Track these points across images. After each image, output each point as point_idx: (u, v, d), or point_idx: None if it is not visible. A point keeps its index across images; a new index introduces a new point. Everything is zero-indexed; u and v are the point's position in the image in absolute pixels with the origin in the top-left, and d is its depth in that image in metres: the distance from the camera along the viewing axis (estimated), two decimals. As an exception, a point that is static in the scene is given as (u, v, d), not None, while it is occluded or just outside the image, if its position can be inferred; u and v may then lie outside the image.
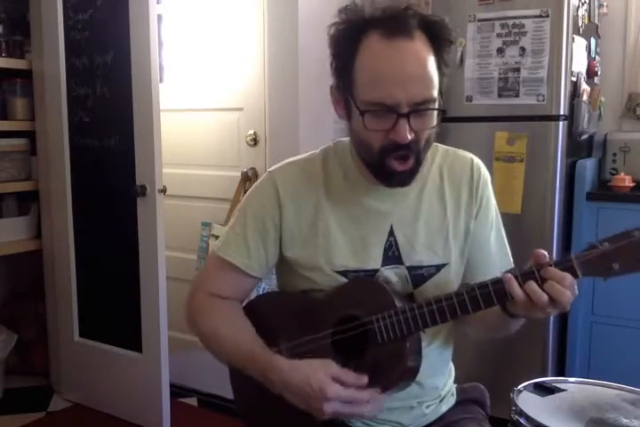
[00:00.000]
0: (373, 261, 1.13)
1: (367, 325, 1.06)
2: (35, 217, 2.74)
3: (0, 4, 2.65)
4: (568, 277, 0.93)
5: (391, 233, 1.14)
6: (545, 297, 0.93)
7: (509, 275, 0.97)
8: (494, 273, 1.18)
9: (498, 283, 0.99)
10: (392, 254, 1.14)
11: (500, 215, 1.24)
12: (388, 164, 1.04)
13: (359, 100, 1.03)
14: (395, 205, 1.15)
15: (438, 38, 1.03)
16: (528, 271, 0.96)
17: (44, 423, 2.49)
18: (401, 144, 1.02)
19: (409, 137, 1.01)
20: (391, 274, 1.14)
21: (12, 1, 2.68)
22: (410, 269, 1.14)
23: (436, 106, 1.03)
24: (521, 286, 0.95)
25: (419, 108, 1.00)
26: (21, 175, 2.69)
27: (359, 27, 1.03)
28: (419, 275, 1.14)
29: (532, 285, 0.94)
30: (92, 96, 2.44)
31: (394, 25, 1.00)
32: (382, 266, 1.13)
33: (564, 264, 0.95)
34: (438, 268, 1.15)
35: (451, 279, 1.17)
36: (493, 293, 0.99)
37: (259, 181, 1.21)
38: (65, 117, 2.53)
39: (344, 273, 1.13)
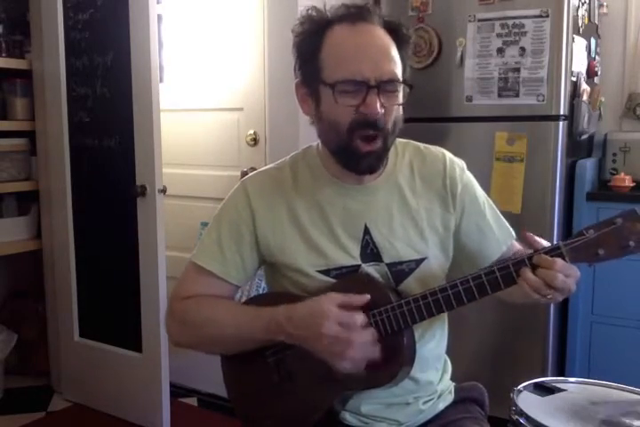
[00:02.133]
0: (353, 258, 1.14)
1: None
2: (35, 217, 2.74)
3: (0, 3, 2.65)
4: (558, 261, 0.97)
5: (366, 231, 1.15)
6: (539, 282, 0.97)
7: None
8: (501, 250, 1.21)
9: (490, 273, 1.02)
10: (370, 252, 1.15)
11: (486, 194, 1.26)
12: (356, 145, 1.07)
13: (329, 81, 1.06)
14: (366, 203, 1.16)
15: (397, 33, 1.08)
16: (520, 260, 1.00)
17: (44, 423, 2.49)
18: (371, 119, 1.04)
19: (380, 110, 1.04)
20: (372, 271, 1.14)
21: (11, 1, 2.68)
22: (390, 265, 1.15)
23: (401, 87, 1.07)
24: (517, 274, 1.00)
25: (387, 83, 1.04)
26: (21, 175, 2.69)
27: (323, 23, 1.09)
28: (399, 271, 1.15)
29: (527, 272, 0.99)
30: (92, 96, 2.44)
31: (356, 15, 1.07)
32: (363, 262, 1.14)
33: (553, 251, 0.99)
34: (418, 262, 1.16)
35: (434, 273, 1.17)
36: (487, 282, 1.02)
37: (232, 190, 1.23)
38: (65, 117, 2.53)
39: (326, 272, 1.14)
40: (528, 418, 1.09)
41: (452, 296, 1.03)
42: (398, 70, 1.06)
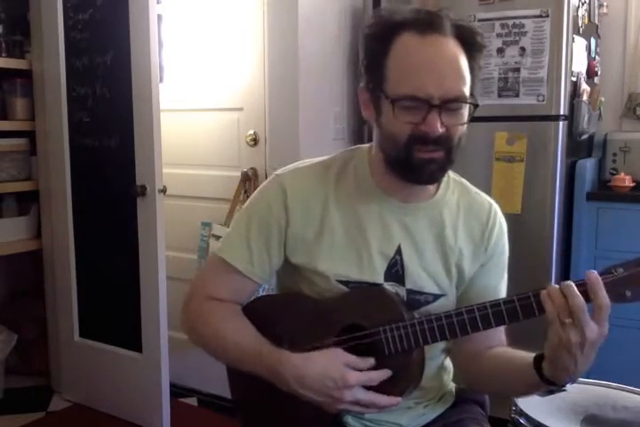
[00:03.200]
0: (377, 274, 1.12)
1: (374, 335, 1.05)
2: (35, 217, 2.74)
3: (0, 3, 2.65)
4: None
5: (398, 252, 1.12)
6: (562, 299, 0.92)
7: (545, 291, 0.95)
8: None
9: (509, 302, 0.98)
10: (395, 272, 1.12)
11: (506, 266, 1.22)
12: (416, 155, 1.02)
13: (391, 95, 1.02)
14: (405, 224, 1.13)
15: (470, 42, 1.03)
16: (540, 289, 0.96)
17: (44, 423, 2.49)
18: (430, 137, 1.00)
19: (440, 130, 1.00)
20: (392, 291, 1.12)
21: (11, 1, 2.68)
22: (409, 292, 1.12)
23: (467, 105, 1.02)
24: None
25: (451, 102, 0.99)
26: (21, 175, 2.69)
27: (392, 27, 1.03)
28: (416, 300, 1.12)
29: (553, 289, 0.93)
30: (92, 96, 2.44)
31: (427, 23, 1.01)
32: (385, 281, 1.12)
33: (579, 287, 0.94)
34: (436, 297, 1.14)
35: (444, 311, 1.13)
36: (520, 307, 0.97)
37: (266, 182, 1.19)
38: (65, 117, 2.53)
39: (346, 283, 1.11)
40: (528, 418, 1.09)
41: (467, 321, 1.00)
42: (466, 87, 1.01)
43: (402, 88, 1.00)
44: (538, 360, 1.01)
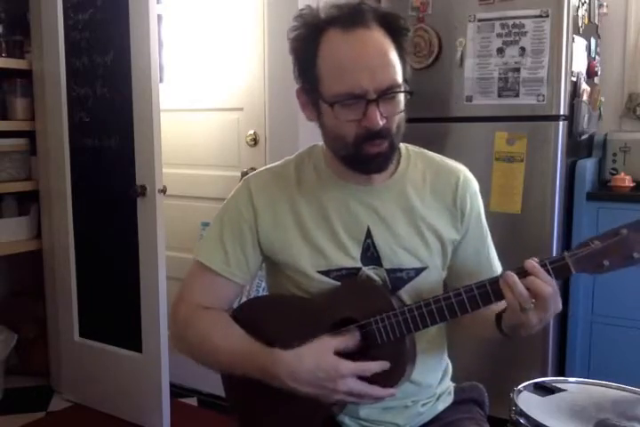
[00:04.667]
0: (354, 260, 1.13)
1: (366, 327, 1.06)
2: (35, 217, 2.74)
3: (0, 3, 2.65)
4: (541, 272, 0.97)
5: (368, 235, 1.14)
6: (522, 288, 0.96)
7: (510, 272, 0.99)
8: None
9: (495, 283, 1.00)
10: (371, 255, 1.14)
11: (486, 224, 1.24)
12: (363, 150, 1.06)
13: (327, 96, 1.05)
14: (370, 206, 1.15)
15: (394, 28, 1.06)
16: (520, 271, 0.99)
17: (44, 423, 2.49)
18: (374, 131, 1.03)
19: (381, 123, 1.03)
20: (372, 274, 1.14)
21: (11, 1, 2.68)
22: (389, 271, 1.14)
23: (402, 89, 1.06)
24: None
25: (386, 93, 1.03)
26: (21, 175, 2.70)
27: (317, 26, 1.06)
28: (398, 278, 1.14)
29: (514, 277, 0.98)
30: (92, 96, 2.44)
31: (350, 18, 1.04)
32: (363, 266, 1.13)
33: (558, 262, 0.98)
34: (418, 271, 1.15)
35: (431, 284, 1.16)
36: (491, 292, 1.01)
37: (235, 188, 1.22)
38: (65, 117, 2.53)
39: (327, 273, 1.13)
40: (528, 418, 1.09)
41: (455, 305, 1.02)
42: (398, 75, 1.04)
43: (337, 87, 1.03)
44: (499, 318, 1.07)
